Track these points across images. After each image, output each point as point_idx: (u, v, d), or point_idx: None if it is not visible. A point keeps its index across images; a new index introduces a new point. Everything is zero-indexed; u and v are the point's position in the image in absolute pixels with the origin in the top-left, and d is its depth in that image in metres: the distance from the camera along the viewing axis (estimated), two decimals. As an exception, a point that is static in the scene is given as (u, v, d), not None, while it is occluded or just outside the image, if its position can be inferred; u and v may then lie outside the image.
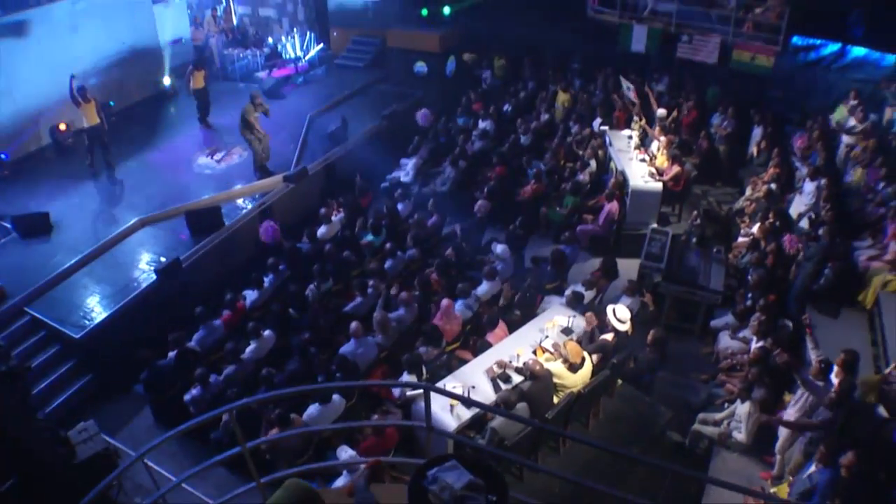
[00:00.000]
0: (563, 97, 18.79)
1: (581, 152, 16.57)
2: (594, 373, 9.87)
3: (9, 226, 14.79)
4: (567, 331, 10.45)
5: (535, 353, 10.18)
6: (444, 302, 11.41)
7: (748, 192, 14.74)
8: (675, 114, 17.06)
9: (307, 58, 23.25)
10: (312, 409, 9.72)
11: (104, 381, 12.38)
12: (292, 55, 23.23)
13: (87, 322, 12.48)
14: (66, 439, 9.73)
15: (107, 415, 11.47)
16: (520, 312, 11.54)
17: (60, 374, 12.33)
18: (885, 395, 8.98)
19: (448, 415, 9.21)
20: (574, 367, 9.62)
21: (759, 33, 17.20)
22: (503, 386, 9.59)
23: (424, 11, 22.15)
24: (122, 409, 11.87)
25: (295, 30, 24.05)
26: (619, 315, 10.45)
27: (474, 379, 9.75)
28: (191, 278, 13.73)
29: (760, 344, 10.15)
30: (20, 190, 16.41)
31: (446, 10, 21.80)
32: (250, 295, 13.02)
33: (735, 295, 11.86)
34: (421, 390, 9.31)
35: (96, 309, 12.78)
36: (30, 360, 12.16)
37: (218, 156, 17.50)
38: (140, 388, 11.70)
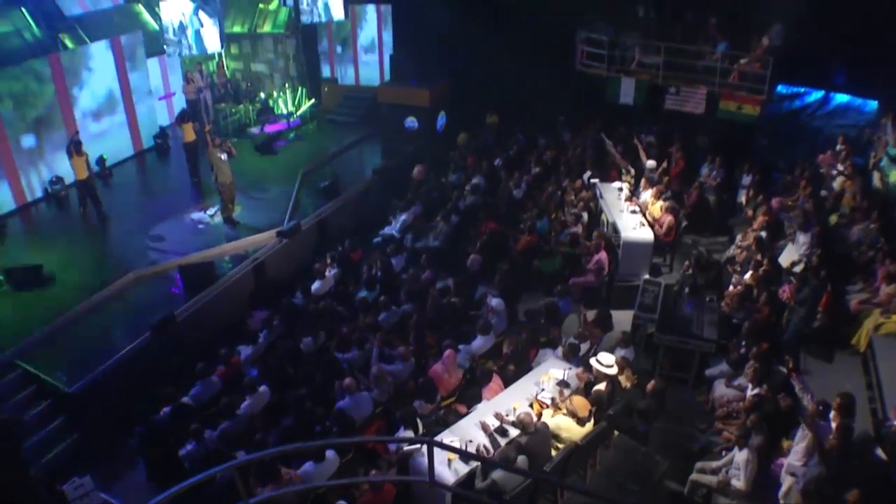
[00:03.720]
0: (550, 153, 19.00)
1: (573, 205, 16.67)
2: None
3: (1, 277, 14.77)
4: (563, 384, 10.48)
5: (531, 406, 10.18)
6: (448, 352, 11.44)
7: (738, 240, 14.86)
8: (664, 165, 17.25)
9: (299, 113, 23.47)
10: (307, 466, 9.65)
11: (96, 435, 12.22)
12: (284, 110, 23.45)
13: (79, 376, 12.39)
14: (62, 494, 9.66)
15: (99, 470, 11.33)
16: (514, 367, 11.54)
17: (52, 428, 12.23)
18: (884, 438, 9.02)
19: (446, 469, 9.17)
20: (583, 421, 9.64)
21: (745, 83, 17.46)
22: (500, 440, 9.57)
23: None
24: (115, 464, 11.77)
25: (287, 85, 24.29)
26: (604, 361, 10.49)
27: (471, 433, 9.73)
28: (185, 333, 13.71)
29: (756, 391, 10.19)
30: (13, 241, 16.53)
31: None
32: (244, 350, 13.02)
33: (729, 343, 11.89)
34: (417, 445, 9.48)
35: (89, 363, 12.68)
36: (21, 414, 12.07)
37: (211, 210, 17.55)
38: (133, 441, 11.61)
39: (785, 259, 13.74)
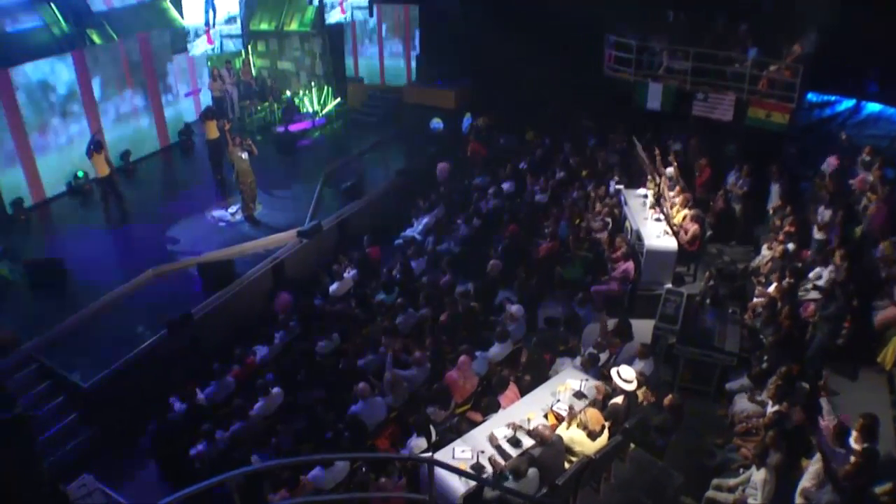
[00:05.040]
0: (575, 158, 18.80)
1: (597, 211, 16.48)
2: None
3: (22, 271, 14.86)
4: (579, 395, 10.29)
5: (546, 417, 10.01)
6: (463, 358, 11.29)
7: (764, 251, 14.58)
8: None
9: (324, 112, 23.40)
10: (316, 471, 9.57)
11: (110, 432, 12.28)
12: (309, 109, 23.38)
13: (94, 372, 12.42)
14: (65, 495, 9.63)
15: (111, 467, 11.47)
16: (530, 377, 11.37)
17: (66, 424, 12.28)
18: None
19: (456, 479, 9.02)
20: (594, 435, 9.46)
21: (774, 90, 17.17)
22: (512, 451, 9.41)
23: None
24: (127, 462, 11.81)
25: (312, 84, 24.23)
26: (624, 376, 10.27)
27: (483, 443, 9.56)
28: (201, 332, 13.72)
29: (776, 408, 9.95)
30: (36, 235, 16.75)
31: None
32: (260, 350, 12.97)
33: (751, 357, 11.65)
34: (427, 454, 9.35)
35: (105, 359, 12.70)
36: (36, 408, 12.12)
37: (232, 208, 17.52)
38: (146, 440, 11.60)
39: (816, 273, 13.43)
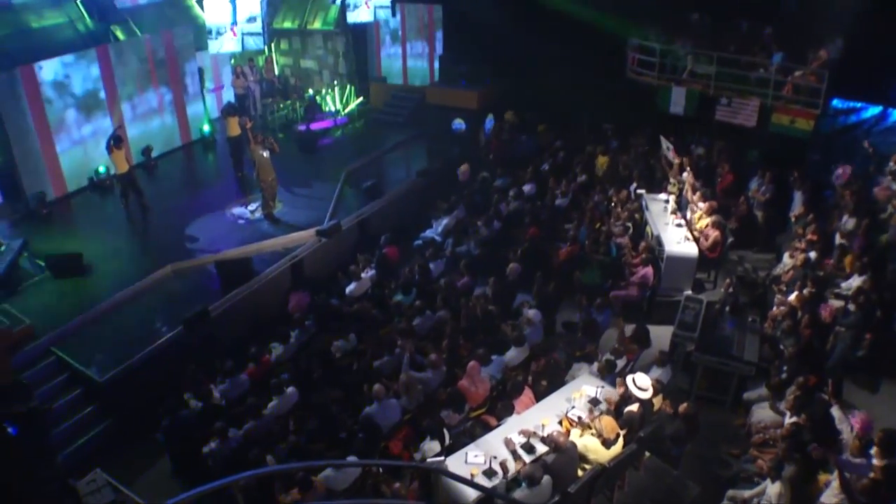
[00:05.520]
0: (601, 159, 18.64)
1: (617, 215, 16.36)
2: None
3: (42, 264, 14.98)
4: (595, 401, 10.20)
5: (560, 423, 9.94)
6: (471, 363, 11.23)
7: (785, 259, 14.42)
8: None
9: (346, 111, 23.39)
10: (329, 472, 9.55)
11: (125, 426, 12.30)
12: (332, 108, 23.37)
13: (110, 366, 12.47)
14: (74, 490, 9.67)
15: (124, 462, 11.50)
16: (546, 382, 11.29)
17: (81, 418, 12.32)
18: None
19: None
20: (608, 443, 9.38)
21: (799, 96, 16.98)
22: (526, 457, 9.34)
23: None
24: (140, 457, 11.81)
25: (335, 83, 24.24)
26: (640, 383, 10.17)
27: (497, 448, 9.52)
28: (218, 329, 13.72)
29: (794, 419, 9.82)
30: (57, 229, 16.83)
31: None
32: (276, 349, 12.96)
33: (770, 367, 11.51)
34: (441, 458, 9.31)
35: (122, 354, 12.75)
36: (52, 402, 12.19)
37: (252, 206, 17.54)
38: (160, 435, 11.61)
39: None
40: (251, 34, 20.02)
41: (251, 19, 19.59)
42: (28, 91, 17.09)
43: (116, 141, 16.67)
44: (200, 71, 21.88)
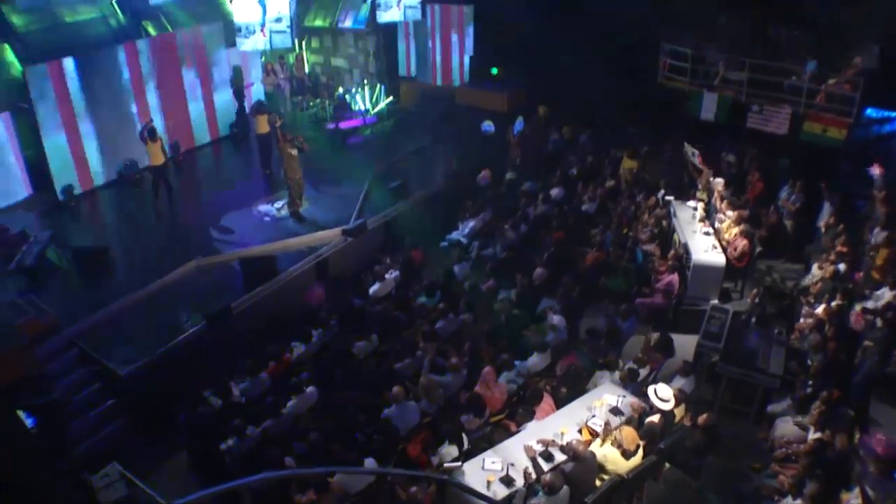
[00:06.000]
0: (628, 163, 18.45)
1: (644, 222, 16.20)
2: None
3: (69, 257, 15.12)
4: (616, 411, 10.08)
5: (580, 432, 9.83)
6: (486, 370, 11.19)
7: (814, 270, 14.21)
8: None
9: (376, 110, 23.36)
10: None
11: (143, 421, 12.35)
12: (361, 107, 23.36)
13: (132, 360, 12.53)
14: (88, 484, 9.72)
15: (141, 456, 11.55)
16: (566, 389, 11.18)
17: (101, 411, 12.40)
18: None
19: (485, 491, 8.90)
20: (628, 454, 9.27)
21: (832, 104, 16.72)
22: (545, 465, 9.25)
23: (494, 70, 22.38)
24: (158, 452, 11.87)
25: (365, 81, 24.22)
26: (661, 394, 10.04)
27: (515, 455, 9.43)
28: (240, 325, 13.73)
29: (817, 435, 9.65)
30: (85, 222, 17.08)
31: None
32: (297, 348, 12.94)
33: (795, 380, 11.33)
34: (458, 464, 9.24)
35: (143, 348, 12.82)
36: (72, 394, 12.30)
37: (279, 204, 17.55)
38: (178, 431, 11.70)
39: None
40: (279, 32, 19.94)
41: (278, 19, 19.50)
42: (59, 85, 17.20)
43: (151, 133, 16.79)
44: (237, 70, 21.88)
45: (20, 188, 17.75)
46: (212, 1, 21.75)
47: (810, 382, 10.90)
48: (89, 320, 13.34)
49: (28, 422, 11.19)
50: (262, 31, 19.44)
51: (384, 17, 22.10)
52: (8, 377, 11.28)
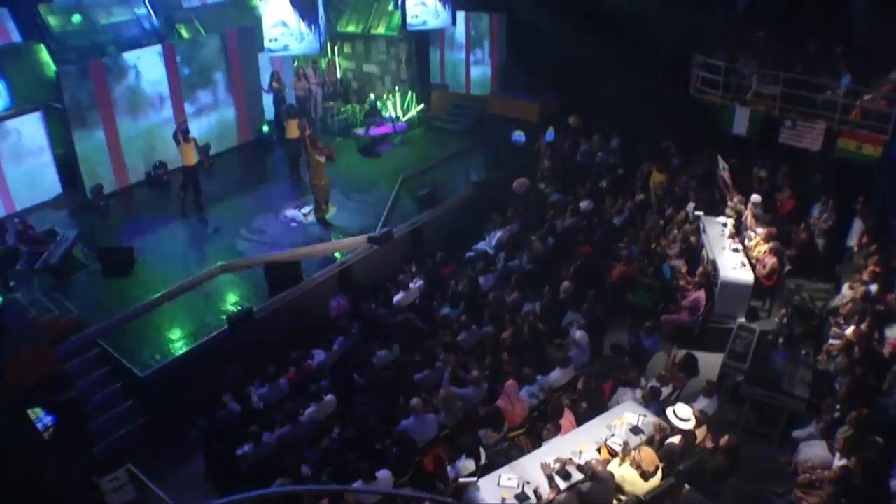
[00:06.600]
0: (658, 177, 18.24)
1: (672, 237, 15.99)
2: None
3: (95, 256, 15.27)
4: (636, 430, 9.94)
5: (599, 451, 9.69)
6: (509, 383, 11.07)
7: (845, 290, 13.92)
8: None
9: (406, 117, 23.33)
10: (357, 485, 9.47)
11: (161, 423, 12.42)
12: (392, 114, 23.33)
13: (153, 362, 12.63)
14: (97, 486, 9.76)
15: (158, 458, 11.63)
16: (587, 405, 11.04)
17: (120, 411, 12.49)
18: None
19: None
20: (647, 476, 9.12)
21: (868, 121, 16.40)
22: (561, 483, 9.12)
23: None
24: (174, 455, 11.93)
25: (397, 88, 24.19)
26: (681, 414, 9.87)
27: (531, 472, 9.32)
28: (262, 330, 13.73)
29: (843, 462, 9.43)
30: (112, 221, 17.25)
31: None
32: (318, 355, 12.92)
33: (821, 404, 11.10)
34: (472, 479, 9.16)
35: (164, 350, 12.93)
36: (92, 394, 12.42)
37: (305, 209, 17.55)
38: (195, 434, 11.73)
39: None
40: (306, 37, 19.84)
41: (309, 24, 19.44)
42: (91, 85, 17.37)
43: (184, 133, 16.90)
44: (276, 74, 21.90)
45: (50, 186, 17.94)
46: (245, 5, 21.84)
47: (838, 407, 10.67)
48: (112, 320, 13.44)
49: (47, 419, 11.27)
50: (290, 36, 19.41)
51: (416, 23, 22.01)
52: (27, 375, 11.37)
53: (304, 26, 19.28)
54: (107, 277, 14.81)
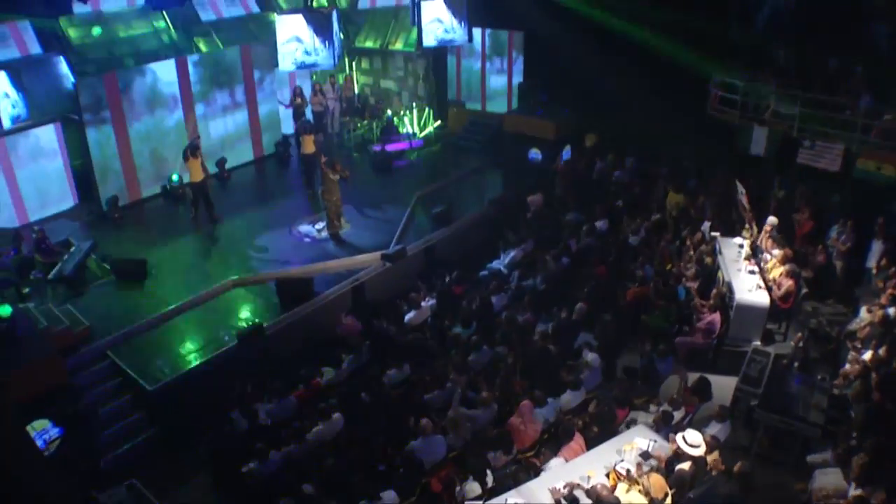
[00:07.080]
0: (675, 197, 18.05)
1: (689, 258, 15.81)
2: (670, 505, 9.16)
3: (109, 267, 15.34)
4: (646, 455, 9.75)
5: (607, 476, 9.52)
6: (525, 402, 10.93)
7: (863, 313, 13.71)
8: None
9: (423, 134, 23.29)
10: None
11: (168, 437, 12.40)
12: (408, 130, 23.30)
13: (161, 375, 12.60)
14: (96, 501, 9.72)
15: (164, 472, 11.62)
16: (598, 428, 10.88)
17: (127, 424, 12.45)
18: None
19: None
20: (655, 503, 8.95)
21: (888, 141, 16.18)
22: (568, 509, 8.98)
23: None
24: (182, 469, 11.88)
25: (414, 105, 24.17)
26: (690, 440, 9.69)
27: (539, 496, 9.17)
28: (272, 346, 13.67)
29: (858, 492, 9.22)
30: (126, 233, 17.27)
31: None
32: (328, 373, 12.82)
33: (837, 430, 10.88)
34: (478, 502, 9.02)
35: (174, 364, 12.91)
36: (100, 406, 12.42)
37: (319, 225, 17.51)
38: (202, 449, 11.69)
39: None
40: (320, 53, 19.82)
41: (323, 40, 19.41)
42: (110, 97, 17.45)
43: (192, 150, 16.95)
44: (298, 90, 21.89)
45: (67, 197, 18.04)
46: (262, 20, 21.91)
47: (854, 434, 10.45)
48: (123, 332, 13.45)
49: (54, 431, 11.25)
50: (304, 51, 19.38)
51: (432, 40, 21.96)
52: (34, 387, 11.35)
53: (318, 42, 19.23)
54: (120, 289, 14.95)
